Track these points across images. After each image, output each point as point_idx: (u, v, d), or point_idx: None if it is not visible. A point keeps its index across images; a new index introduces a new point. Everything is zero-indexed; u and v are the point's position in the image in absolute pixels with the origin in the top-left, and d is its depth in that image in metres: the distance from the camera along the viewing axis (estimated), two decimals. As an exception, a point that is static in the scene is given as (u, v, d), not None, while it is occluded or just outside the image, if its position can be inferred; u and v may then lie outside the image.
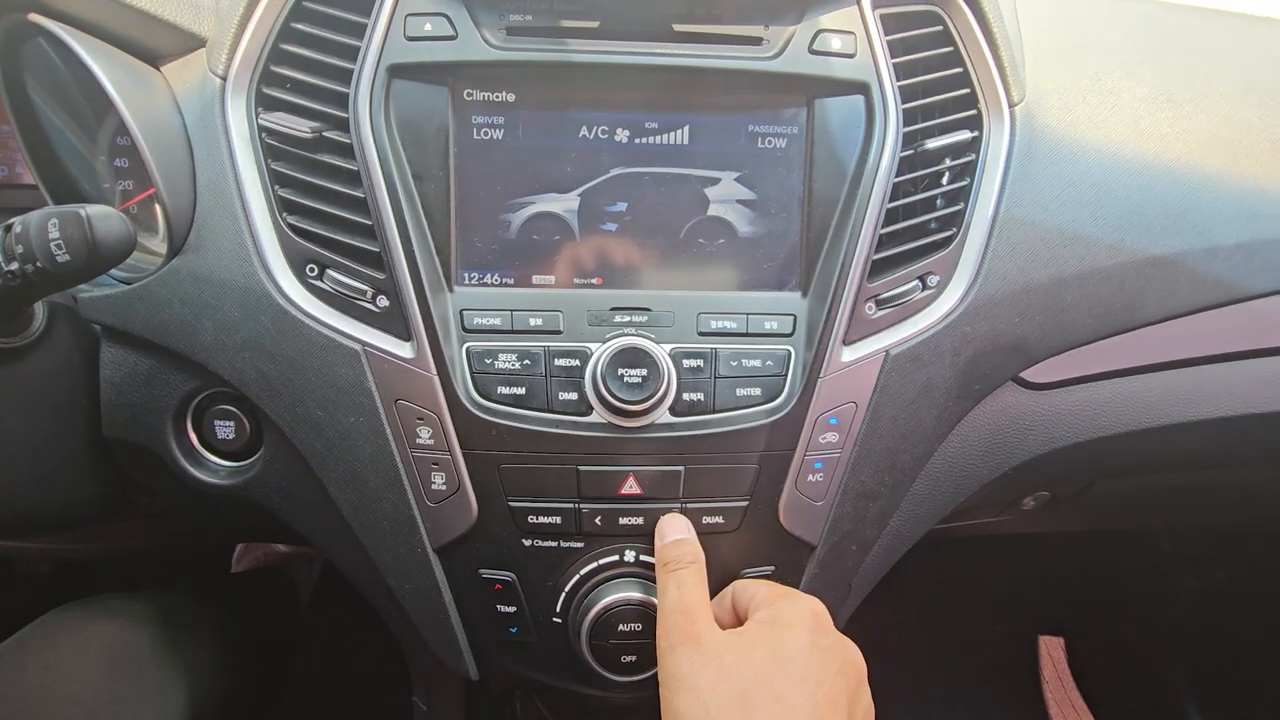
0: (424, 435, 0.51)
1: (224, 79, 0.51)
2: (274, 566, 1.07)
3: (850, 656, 0.46)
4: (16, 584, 0.85)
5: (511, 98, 0.52)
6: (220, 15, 0.52)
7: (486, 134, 0.52)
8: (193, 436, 0.57)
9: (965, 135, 0.55)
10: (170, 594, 0.69)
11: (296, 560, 1.15)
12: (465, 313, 0.52)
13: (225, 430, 0.57)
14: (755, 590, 0.49)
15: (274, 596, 0.97)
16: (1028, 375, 0.60)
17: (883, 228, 0.53)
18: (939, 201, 0.56)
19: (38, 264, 0.40)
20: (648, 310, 0.53)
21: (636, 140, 0.53)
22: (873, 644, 0.64)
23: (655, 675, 0.50)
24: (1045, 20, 0.62)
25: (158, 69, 0.55)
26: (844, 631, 0.48)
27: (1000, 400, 0.60)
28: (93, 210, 0.40)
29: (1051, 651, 1.50)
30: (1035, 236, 0.56)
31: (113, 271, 0.55)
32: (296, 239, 0.51)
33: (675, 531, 0.51)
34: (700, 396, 0.51)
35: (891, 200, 0.53)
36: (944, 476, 0.60)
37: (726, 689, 0.41)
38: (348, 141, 0.50)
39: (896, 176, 0.53)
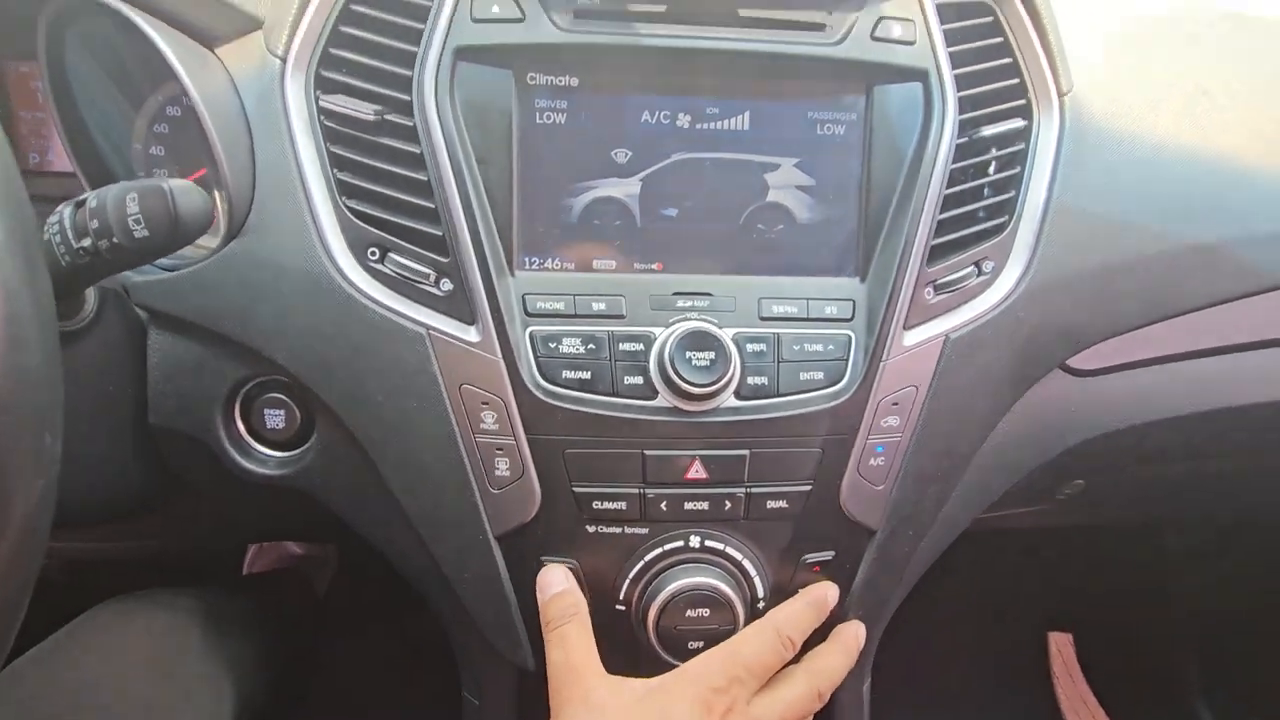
0: (488, 420, 0.50)
1: (283, 60, 0.51)
2: (291, 568, 1.05)
3: None
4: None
5: (575, 82, 0.52)
6: (280, -2, 0.51)
7: (550, 118, 0.52)
8: (241, 426, 0.56)
9: (1018, 123, 0.56)
10: (207, 591, 0.68)
11: (311, 562, 1.13)
12: (528, 297, 0.51)
13: (275, 419, 0.56)
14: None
15: (295, 598, 0.95)
16: (1075, 362, 0.61)
17: (940, 213, 0.54)
18: (987, 190, 0.57)
19: (114, 239, 0.39)
20: (709, 295, 0.53)
21: (698, 126, 0.53)
22: (883, 640, 0.65)
23: None
24: (1088, 14, 0.64)
25: (213, 51, 0.54)
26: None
27: (1048, 387, 0.60)
28: (175, 184, 0.39)
29: (1061, 647, 1.51)
30: (1085, 224, 0.57)
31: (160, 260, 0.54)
32: (358, 222, 0.51)
33: (553, 585, 0.51)
34: (764, 380, 0.51)
35: (948, 187, 0.54)
36: (994, 463, 0.60)
37: None
38: (411, 124, 0.50)
39: (953, 163, 0.54)
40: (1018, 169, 0.57)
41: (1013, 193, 0.57)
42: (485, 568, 0.53)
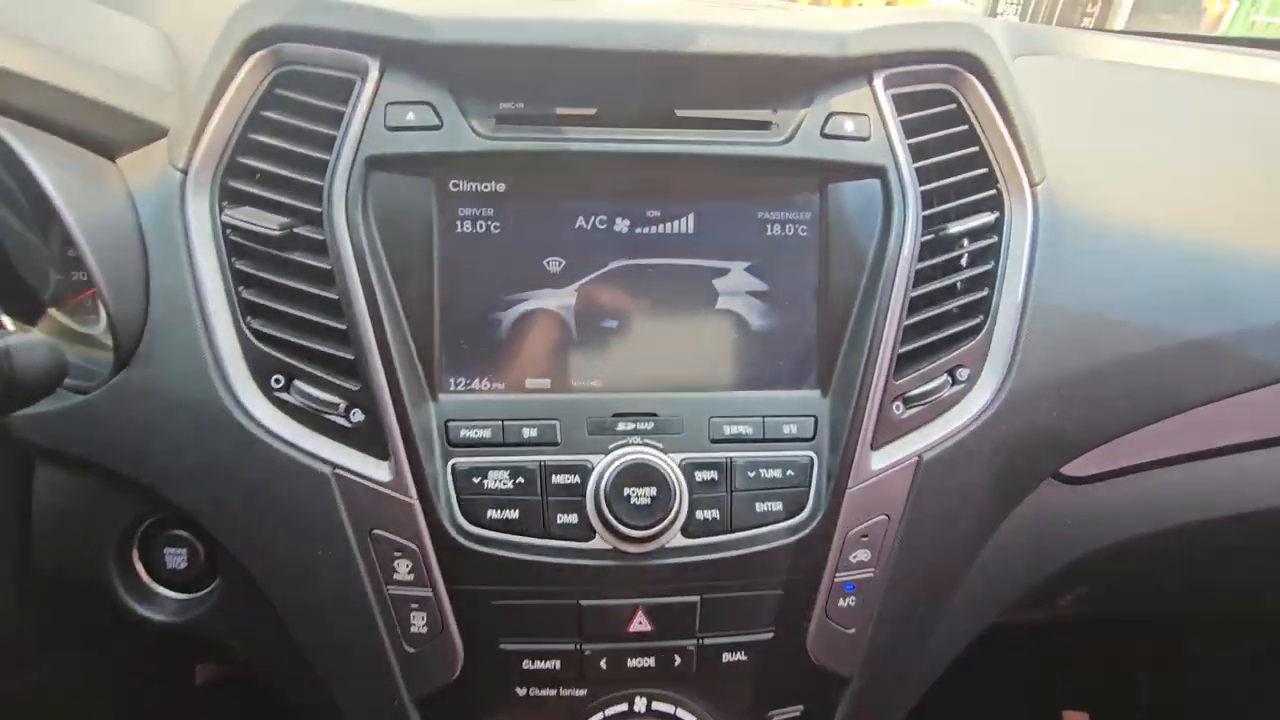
0: (402, 570, 0.44)
1: (185, 172, 0.47)
2: (243, 678, 0.96)
3: None
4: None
5: (502, 188, 0.48)
6: (184, 103, 0.48)
7: (474, 226, 0.48)
8: (140, 568, 0.50)
9: (988, 217, 0.52)
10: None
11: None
12: (450, 424, 0.46)
13: (177, 559, 0.50)
14: None
15: (245, 715, 0.87)
16: (1068, 469, 0.55)
17: (907, 318, 0.49)
18: (960, 286, 0.52)
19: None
20: (654, 415, 0.48)
21: (638, 230, 0.49)
22: None
23: None
24: (1055, 95, 0.60)
25: (114, 160, 0.50)
26: None
27: (1040, 498, 0.55)
28: (14, 341, 0.35)
29: (1077, 730, 1.41)
30: (1068, 323, 0.52)
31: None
32: (261, 346, 0.46)
33: None
34: (716, 514, 0.46)
35: (915, 288, 0.49)
36: (982, 589, 0.54)
37: None
38: (321, 238, 0.45)
39: (918, 262, 0.49)
40: (990, 265, 0.52)
41: (986, 291, 0.52)
42: (403, 734, 0.46)
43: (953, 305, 0.51)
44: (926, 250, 0.50)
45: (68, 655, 0.59)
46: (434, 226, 0.47)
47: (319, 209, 0.46)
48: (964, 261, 0.52)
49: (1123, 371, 0.53)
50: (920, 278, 0.50)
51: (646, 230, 0.49)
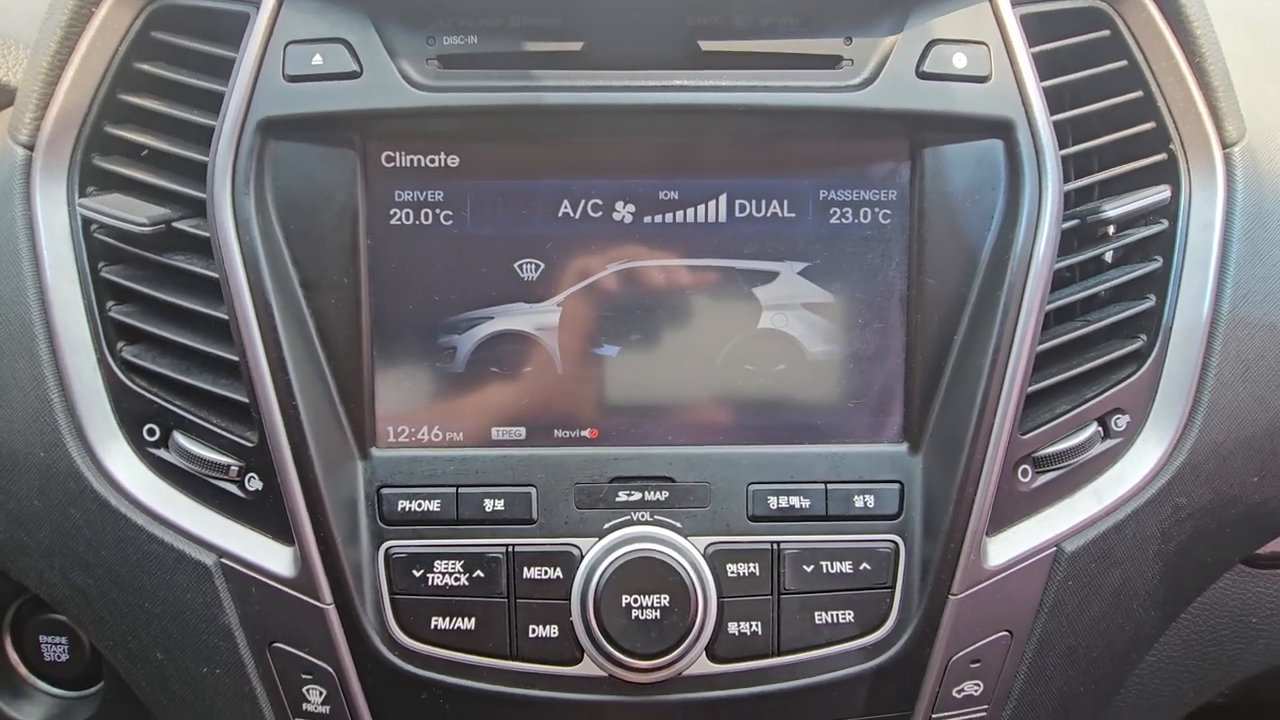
0: (315, 699, 0.33)
1: (30, 149, 0.35)
2: None
3: None
4: None
5: (454, 161, 0.35)
6: (32, 56, 0.35)
7: (418, 217, 0.35)
8: (13, 657, 0.40)
9: (1159, 194, 0.36)
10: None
11: None
12: (385, 492, 0.34)
13: (56, 649, 0.40)
14: None
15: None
16: (1265, 550, 0.39)
17: (1040, 342, 0.33)
18: (1112, 296, 0.37)
19: None
20: (669, 481, 0.35)
21: (647, 219, 0.35)
22: None
23: None
24: (1250, 25, 0.43)
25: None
26: None
27: (1220, 593, 0.39)
28: None
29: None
30: (1277, 344, 0.36)
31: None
32: (132, 383, 0.34)
33: None
34: (757, 628, 0.33)
35: (1052, 298, 0.34)
36: (1132, 712, 0.39)
37: None
38: (205, 235, 0.33)
39: (1057, 261, 0.34)
40: (1158, 263, 0.36)
41: (1153, 301, 0.37)
42: None
43: (1104, 322, 0.36)
44: (1068, 242, 0.36)
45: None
46: (359, 216, 0.34)
47: (198, 193, 0.33)
48: (1121, 258, 0.37)
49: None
50: (1059, 282, 0.35)
51: (659, 219, 0.36)
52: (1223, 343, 0.36)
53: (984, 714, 0.34)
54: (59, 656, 0.40)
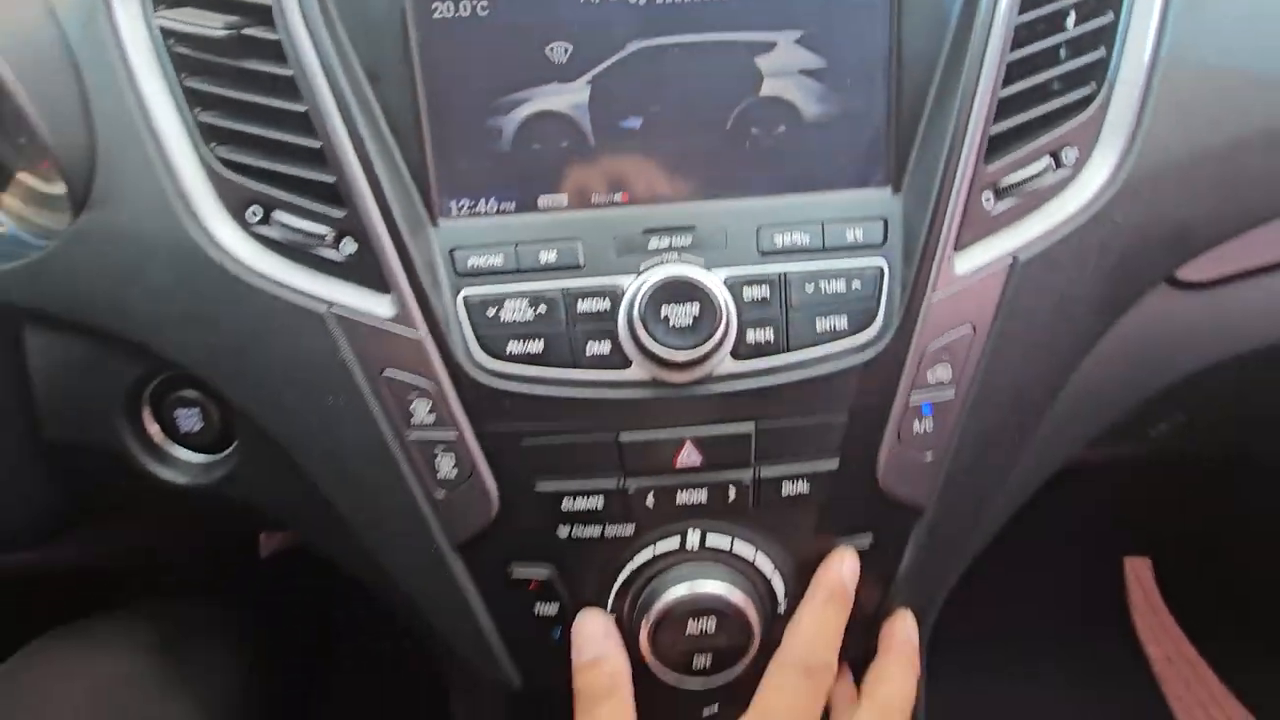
0: (422, 412, 0.40)
1: (104, -33, 0.39)
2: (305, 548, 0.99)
3: None
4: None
5: None
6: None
7: (458, 9, 0.39)
8: (154, 429, 0.48)
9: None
10: (175, 604, 0.62)
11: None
12: (456, 253, 0.40)
13: (190, 420, 0.47)
14: None
15: (308, 585, 0.90)
16: (1186, 273, 0.47)
17: (1003, 88, 0.39)
18: (1064, 51, 0.42)
19: None
20: (691, 229, 0.40)
21: (658, 0, 0.39)
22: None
23: (737, 677, 0.41)
24: None
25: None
26: None
27: (1148, 308, 0.47)
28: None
29: (1139, 574, 1.40)
30: (1210, 86, 0.42)
31: (28, 239, 0.45)
32: (229, 175, 0.40)
33: (588, 646, 0.41)
34: (769, 334, 0.40)
35: (1013, 49, 0.39)
36: (1075, 408, 0.48)
37: None
38: (274, 38, 0.38)
39: (1019, 14, 0.39)
40: (1109, 17, 0.41)
41: (1102, 50, 0.41)
42: (444, 581, 0.44)
43: (1059, 70, 0.41)
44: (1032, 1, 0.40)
45: (107, 530, 0.59)
46: (407, 12, 0.38)
47: (265, 2, 0.37)
48: (1074, 14, 0.42)
49: (1271, 144, 0.43)
50: (1019, 36, 0.40)
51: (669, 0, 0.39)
52: (1159, 85, 0.41)
53: (952, 394, 0.42)
54: (193, 427, 0.48)
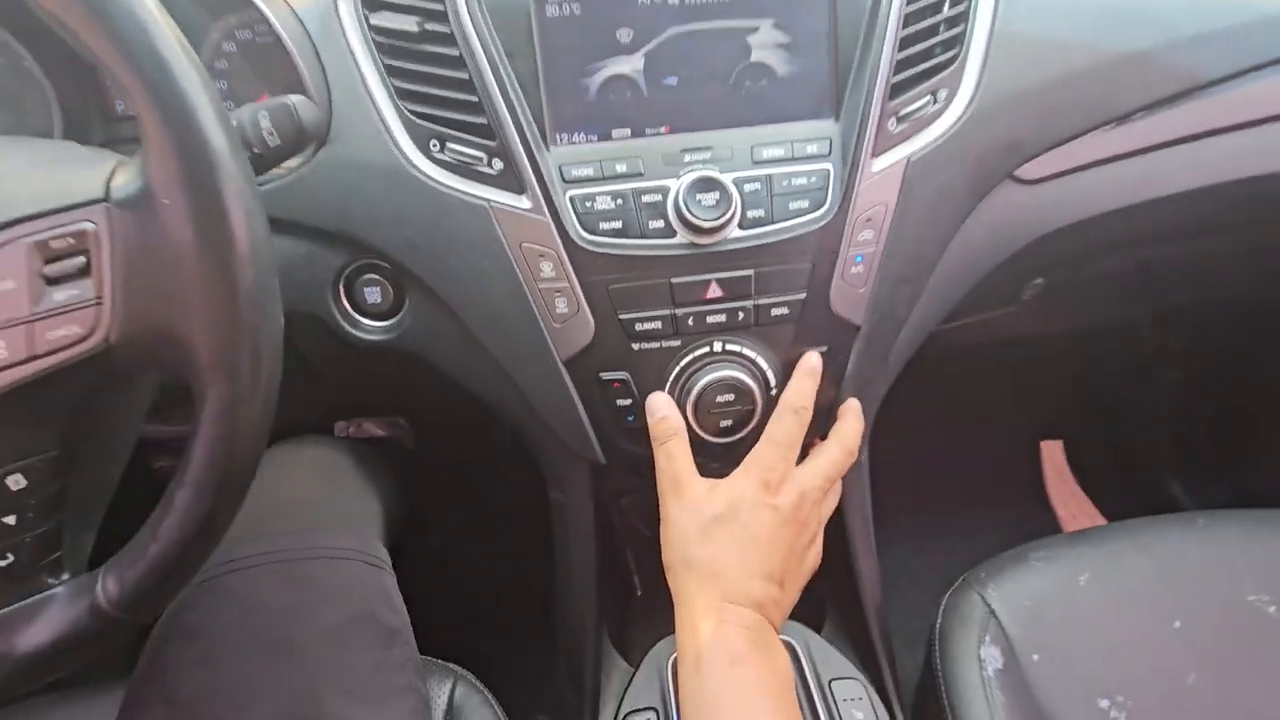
0: (546, 270, 0.63)
1: (331, -17, 0.61)
2: (381, 437, 1.23)
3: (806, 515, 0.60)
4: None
5: None
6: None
7: (560, 10, 0.62)
8: (346, 303, 0.71)
9: (963, -37, 0.64)
10: (340, 441, 0.86)
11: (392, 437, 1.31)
12: (564, 167, 0.63)
13: (374, 295, 0.70)
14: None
15: (393, 455, 1.14)
16: (1022, 173, 0.72)
17: (898, 53, 0.63)
18: (941, 29, 0.66)
19: (254, 150, 0.51)
20: (710, 149, 0.64)
21: (686, 1, 0.63)
22: (883, 455, 0.77)
23: (748, 436, 0.66)
24: None
25: (269, -13, 0.64)
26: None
27: (1000, 197, 0.72)
28: (294, 99, 0.51)
29: (1052, 454, 1.70)
30: (1025, 46, 0.66)
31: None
32: (417, 121, 0.62)
33: (659, 410, 0.65)
34: (761, 212, 0.63)
35: (904, 28, 0.63)
36: (957, 265, 0.73)
37: (700, 519, 0.58)
38: (448, 31, 0.60)
39: (907, 6, 0.63)
40: (965, 5, 0.66)
41: (962, 27, 0.66)
42: (557, 387, 0.68)
43: (936, 40, 0.65)
44: (911, -1, 0.64)
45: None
46: (531, 13, 0.61)
47: (442, 8, 0.60)
48: (947, 4, 0.66)
49: (1069, 84, 0.68)
50: (908, 20, 0.64)
51: (692, 0, 0.63)
52: (995, 46, 0.66)
53: (874, 248, 0.65)
54: (375, 300, 0.71)
